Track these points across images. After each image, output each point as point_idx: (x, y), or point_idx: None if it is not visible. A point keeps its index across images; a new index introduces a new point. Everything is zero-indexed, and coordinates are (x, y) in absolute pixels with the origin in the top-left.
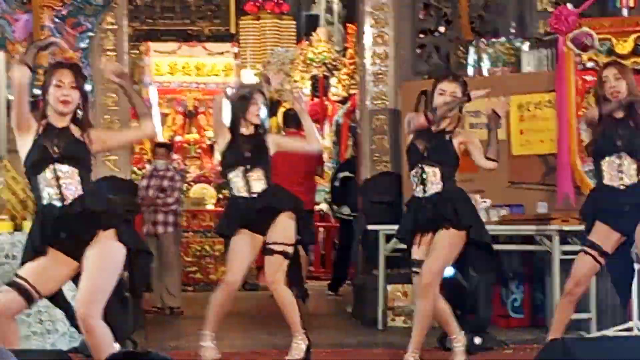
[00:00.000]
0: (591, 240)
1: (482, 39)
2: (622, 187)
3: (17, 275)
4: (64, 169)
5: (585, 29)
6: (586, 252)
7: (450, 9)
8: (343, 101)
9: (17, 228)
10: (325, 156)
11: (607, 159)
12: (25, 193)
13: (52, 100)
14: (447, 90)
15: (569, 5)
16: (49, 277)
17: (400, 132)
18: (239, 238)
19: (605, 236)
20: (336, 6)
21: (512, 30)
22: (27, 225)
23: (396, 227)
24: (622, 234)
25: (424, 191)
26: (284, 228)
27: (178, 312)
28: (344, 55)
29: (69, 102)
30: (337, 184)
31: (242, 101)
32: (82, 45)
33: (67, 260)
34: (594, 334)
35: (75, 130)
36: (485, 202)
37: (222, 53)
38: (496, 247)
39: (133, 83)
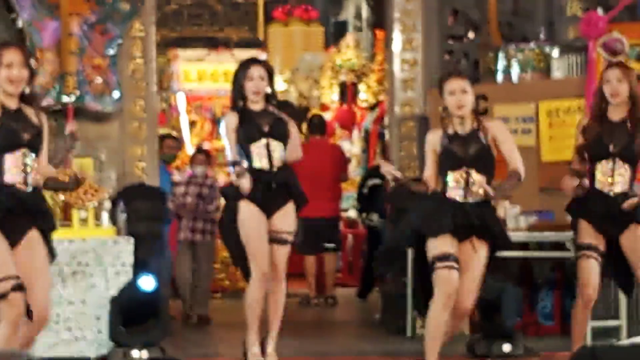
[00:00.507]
0: (587, 243)
1: (511, 45)
2: (611, 194)
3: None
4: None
5: (615, 34)
6: (588, 256)
7: (479, 14)
8: (372, 107)
9: None
10: (354, 163)
11: (602, 162)
12: (52, 199)
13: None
14: (456, 89)
15: (599, 11)
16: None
17: None
18: (247, 213)
19: (595, 237)
20: (365, 12)
21: (542, 36)
22: (55, 232)
23: None
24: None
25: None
26: (293, 217)
27: (206, 319)
28: (372, 62)
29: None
30: (365, 191)
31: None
32: (111, 52)
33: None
34: (625, 341)
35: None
36: (514, 208)
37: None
38: (526, 254)
39: (161, 90)
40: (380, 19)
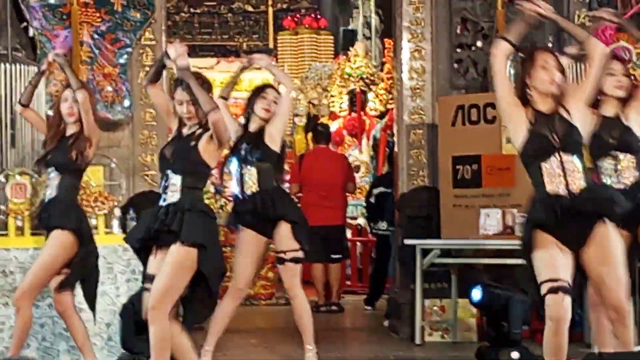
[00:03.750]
0: None
1: (520, 54)
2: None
3: None
4: None
5: (623, 42)
6: None
7: (487, 23)
8: (380, 116)
9: None
10: (362, 170)
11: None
12: None
13: None
14: (549, 62)
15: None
16: None
17: (437, 147)
18: (243, 236)
19: None
20: (374, 21)
21: (550, 45)
22: None
23: (433, 241)
24: None
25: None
26: (288, 234)
27: None
28: (381, 70)
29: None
30: (372, 200)
31: (254, 95)
32: (121, 60)
33: None
34: (635, 348)
35: None
36: (523, 216)
37: (260, 68)
38: None
39: (172, 98)
40: (389, 28)
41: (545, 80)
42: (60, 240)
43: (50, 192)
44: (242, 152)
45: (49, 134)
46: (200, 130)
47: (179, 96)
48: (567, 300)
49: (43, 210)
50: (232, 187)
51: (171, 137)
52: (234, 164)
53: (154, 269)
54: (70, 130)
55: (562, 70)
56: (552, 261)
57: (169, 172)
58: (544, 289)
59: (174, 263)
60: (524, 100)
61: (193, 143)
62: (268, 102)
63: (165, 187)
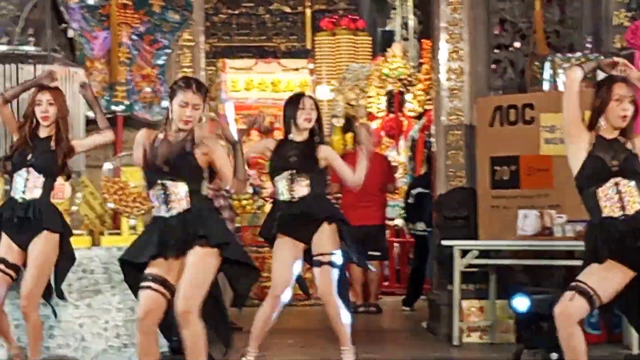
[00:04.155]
0: None
1: (558, 54)
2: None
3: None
4: None
5: None
6: None
7: (525, 24)
8: (418, 117)
9: (95, 243)
10: (400, 171)
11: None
12: (102, 208)
13: None
14: (623, 95)
15: None
16: None
17: (475, 148)
18: (280, 243)
19: None
20: (411, 22)
21: (588, 45)
22: (105, 240)
23: (471, 242)
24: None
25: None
26: (327, 237)
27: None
28: (419, 71)
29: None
30: (411, 200)
31: (291, 107)
32: (159, 62)
33: None
34: None
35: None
36: (561, 217)
37: (297, 69)
38: (573, 263)
39: (210, 99)
40: (427, 29)
41: (619, 115)
42: (53, 242)
43: (33, 193)
44: (290, 161)
45: (21, 133)
46: (188, 135)
47: (185, 99)
48: (578, 300)
49: (24, 210)
50: (280, 192)
51: (149, 143)
52: (282, 172)
53: (162, 271)
54: (44, 132)
55: (634, 101)
56: (596, 272)
57: (166, 182)
58: (572, 284)
59: (203, 265)
60: (592, 126)
61: (189, 149)
62: (307, 112)
63: (166, 198)
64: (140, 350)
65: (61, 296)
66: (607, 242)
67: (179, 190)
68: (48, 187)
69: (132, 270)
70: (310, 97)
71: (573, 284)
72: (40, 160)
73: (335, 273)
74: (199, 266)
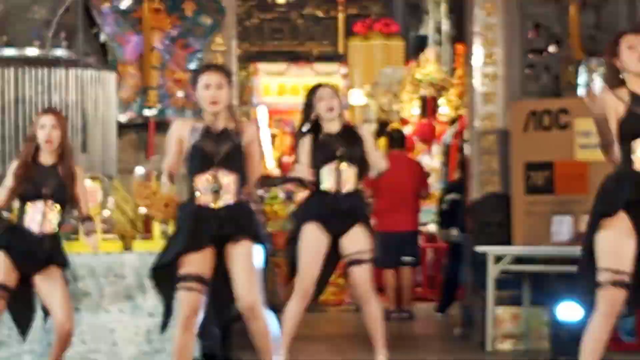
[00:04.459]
0: None
1: (593, 59)
2: None
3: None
4: None
5: None
6: None
7: (560, 28)
8: (452, 122)
9: (127, 248)
10: (433, 177)
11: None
12: (134, 213)
13: None
14: (634, 42)
15: None
16: None
17: (509, 153)
18: (308, 232)
19: None
20: (445, 26)
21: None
22: (137, 245)
23: (505, 248)
24: None
25: None
26: (365, 235)
27: None
28: (452, 76)
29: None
30: (445, 206)
31: (310, 100)
32: (192, 66)
33: None
34: None
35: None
36: None
37: (330, 74)
38: None
39: (242, 104)
40: (460, 33)
41: (633, 59)
42: (63, 278)
43: (50, 227)
44: (339, 152)
45: (22, 158)
46: (233, 126)
47: (206, 80)
48: (623, 297)
49: (39, 243)
50: (325, 184)
51: (200, 132)
52: (328, 163)
53: (199, 268)
54: (48, 159)
55: None
56: (617, 248)
57: (217, 172)
58: (604, 276)
59: (253, 257)
60: (618, 83)
61: (238, 141)
62: (328, 101)
63: (215, 188)
64: (178, 351)
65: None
66: (629, 192)
67: (229, 182)
68: (62, 219)
69: (164, 271)
70: (327, 85)
71: (615, 278)
72: (56, 191)
73: (371, 271)
74: (250, 257)
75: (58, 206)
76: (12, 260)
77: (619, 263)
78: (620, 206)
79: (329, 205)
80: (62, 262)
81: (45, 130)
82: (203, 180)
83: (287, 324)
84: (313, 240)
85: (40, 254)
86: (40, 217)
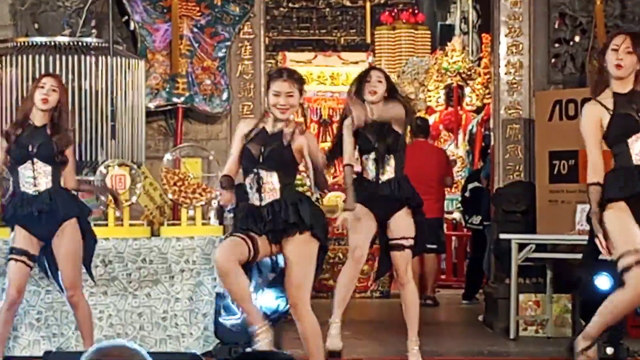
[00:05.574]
0: None
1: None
2: None
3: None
4: None
5: None
6: None
7: (586, 18)
8: (477, 110)
9: (154, 233)
10: (458, 165)
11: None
12: (162, 199)
13: None
14: (620, 45)
15: None
16: None
17: (534, 142)
18: (359, 215)
19: None
20: (471, 16)
21: None
22: (164, 230)
23: (529, 236)
24: None
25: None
26: (410, 222)
27: None
28: (478, 65)
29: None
30: (467, 193)
31: (358, 83)
32: (220, 54)
33: None
34: None
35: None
36: None
37: (357, 62)
38: None
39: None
40: (486, 23)
41: (612, 60)
42: (75, 227)
43: (44, 185)
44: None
45: (18, 117)
46: (289, 130)
47: (277, 87)
48: None
49: (41, 203)
50: (367, 172)
51: (254, 132)
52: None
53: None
54: (39, 119)
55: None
56: (628, 228)
57: (261, 171)
58: (628, 259)
59: (303, 253)
60: (605, 84)
61: (286, 142)
62: (372, 84)
63: (259, 187)
64: (232, 287)
65: (92, 278)
66: (633, 184)
67: (273, 181)
68: (56, 175)
69: None
70: (380, 69)
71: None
72: (42, 150)
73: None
74: (300, 254)
75: (48, 166)
76: (27, 229)
77: (637, 242)
78: (626, 194)
79: (386, 192)
80: (73, 214)
81: (44, 89)
82: (249, 180)
83: (340, 290)
84: (359, 222)
85: (44, 213)
86: (31, 178)
